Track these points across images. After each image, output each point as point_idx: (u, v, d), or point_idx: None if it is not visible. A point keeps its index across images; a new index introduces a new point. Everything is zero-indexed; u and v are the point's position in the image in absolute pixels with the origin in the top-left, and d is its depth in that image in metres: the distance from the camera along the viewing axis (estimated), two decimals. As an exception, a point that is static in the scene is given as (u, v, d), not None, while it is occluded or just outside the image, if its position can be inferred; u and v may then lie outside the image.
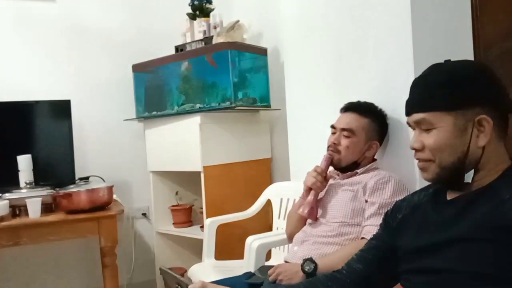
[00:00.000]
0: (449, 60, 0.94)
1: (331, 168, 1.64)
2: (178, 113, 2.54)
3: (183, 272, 2.62)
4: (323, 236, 1.51)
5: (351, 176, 1.59)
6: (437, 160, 0.89)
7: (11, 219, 2.03)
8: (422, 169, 0.93)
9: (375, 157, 1.63)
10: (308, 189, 1.59)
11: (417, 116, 0.91)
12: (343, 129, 1.57)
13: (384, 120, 1.62)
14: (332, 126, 1.62)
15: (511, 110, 0.91)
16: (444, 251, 0.86)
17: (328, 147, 1.61)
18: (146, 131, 2.77)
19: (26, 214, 2.05)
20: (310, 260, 1.39)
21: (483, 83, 0.88)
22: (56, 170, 2.51)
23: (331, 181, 1.64)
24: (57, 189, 2.22)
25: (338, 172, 1.64)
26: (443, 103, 0.87)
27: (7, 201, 2.04)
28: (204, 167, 2.42)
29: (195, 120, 2.43)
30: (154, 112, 2.68)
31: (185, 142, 2.49)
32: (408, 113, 0.94)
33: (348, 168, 1.60)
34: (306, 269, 1.37)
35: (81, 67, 2.82)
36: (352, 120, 1.58)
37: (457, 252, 0.84)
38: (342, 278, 1.03)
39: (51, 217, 2.08)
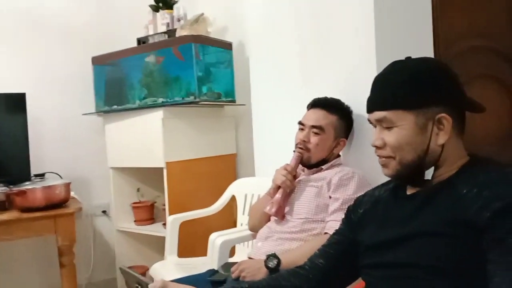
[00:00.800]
0: (410, 57, 0.95)
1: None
2: (140, 108, 2.48)
3: (145, 270, 2.57)
4: (287, 232, 1.50)
5: (317, 172, 1.59)
6: (398, 157, 0.90)
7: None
8: (383, 166, 0.94)
9: (339, 153, 1.65)
10: (277, 187, 1.57)
11: (378, 114, 0.91)
12: (313, 126, 1.56)
13: (350, 116, 1.64)
14: (300, 123, 1.60)
15: (469, 108, 0.93)
16: (403, 245, 0.87)
17: (297, 144, 1.59)
18: (106, 126, 2.69)
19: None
20: (274, 255, 1.38)
21: (443, 82, 0.89)
22: (10, 166, 2.39)
23: (300, 176, 1.64)
24: (11, 186, 2.11)
25: (304, 168, 1.64)
26: (404, 102, 0.88)
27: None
28: (167, 163, 2.37)
29: (157, 115, 2.37)
30: (115, 106, 2.60)
31: (147, 137, 2.43)
32: (369, 111, 0.95)
33: (315, 165, 1.60)
34: (270, 265, 1.37)
35: (38, 59, 2.70)
36: (321, 117, 1.57)
37: (415, 246, 0.85)
38: (304, 273, 1.03)
39: (5, 216, 1.98)
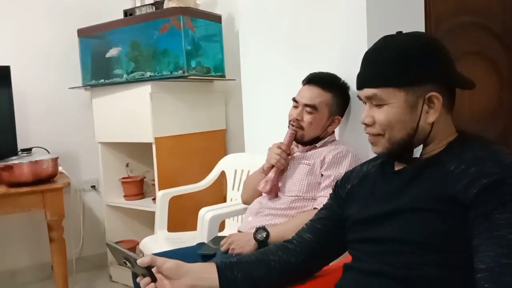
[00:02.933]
0: (401, 32, 0.93)
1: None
2: (128, 82, 2.44)
3: (135, 245, 2.59)
4: (277, 208, 1.52)
5: (310, 149, 1.59)
6: (387, 135, 0.90)
7: None
8: (372, 143, 0.94)
9: (333, 132, 1.64)
10: (271, 166, 1.56)
11: (368, 91, 0.90)
12: (306, 105, 1.53)
13: (346, 93, 1.60)
14: (294, 100, 1.57)
15: (459, 85, 0.92)
16: (390, 221, 0.88)
17: (290, 121, 1.57)
18: (93, 100, 2.64)
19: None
20: (263, 228, 1.40)
21: (434, 59, 0.88)
22: (-4, 141, 2.35)
23: (294, 153, 1.64)
24: (-2, 160, 2.09)
25: (298, 144, 1.63)
26: (395, 79, 0.87)
27: None
28: (155, 138, 2.35)
29: (145, 89, 2.34)
30: (102, 80, 2.55)
31: (135, 112, 2.41)
32: (359, 87, 0.94)
33: (309, 142, 1.59)
34: (258, 237, 1.38)
35: (22, 31, 2.63)
36: (315, 95, 1.53)
37: (402, 222, 0.86)
38: (292, 248, 1.04)
39: (-10, 191, 1.96)
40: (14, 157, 2.08)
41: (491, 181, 0.76)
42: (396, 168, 0.95)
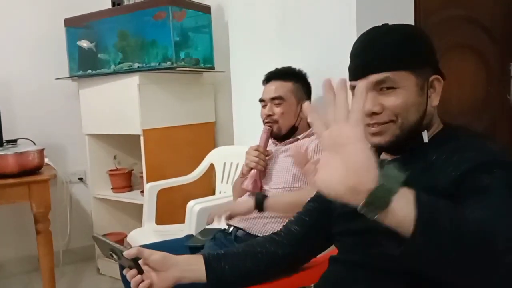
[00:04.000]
0: (387, 24, 0.92)
1: (270, 141, 1.64)
2: (115, 73, 2.40)
3: (122, 237, 2.57)
4: None
5: (293, 142, 1.60)
6: (400, 120, 0.86)
7: None
8: (378, 133, 0.88)
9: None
10: (250, 169, 1.57)
11: (377, 76, 0.86)
12: (272, 99, 1.58)
13: (305, 79, 1.65)
14: (261, 100, 1.63)
15: (442, 75, 0.92)
16: None
17: (263, 120, 1.61)
18: (80, 91, 2.61)
19: None
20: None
21: (431, 44, 0.89)
22: (-20, 132, 2.31)
23: (272, 149, 1.64)
24: (-19, 152, 2.05)
25: (277, 142, 1.64)
26: (406, 61, 0.86)
27: None
28: (143, 130, 2.33)
29: (133, 80, 2.31)
30: (89, 71, 2.52)
31: (123, 103, 2.38)
32: (363, 75, 0.88)
33: (287, 135, 1.60)
34: (258, 196, 1.39)
35: (8, 20, 2.58)
36: (277, 87, 1.59)
37: None
38: (280, 239, 1.04)
39: (-25, 182, 1.92)
40: (-1, 149, 2.04)
41: (474, 165, 0.75)
42: (383, 158, 0.94)
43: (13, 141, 2.30)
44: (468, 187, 0.74)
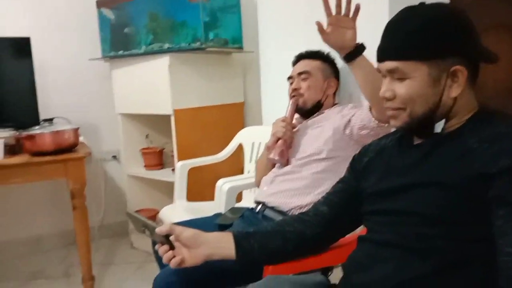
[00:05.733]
0: (423, 3, 0.90)
1: (296, 116, 1.67)
2: (146, 53, 2.44)
3: (155, 213, 2.65)
4: (290, 172, 1.54)
5: (318, 115, 1.62)
6: (408, 109, 0.87)
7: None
8: (392, 117, 0.92)
9: (336, 102, 1.68)
10: (277, 140, 1.59)
11: (390, 64, 0.87)
12: (300, 74, 1.63)
13: (333, 62, 1.68)
14: (289, 77, 1.68)
15: (484, 58, 0.89)
16: (404, 193, 0.87)
17: (290, 94, 1.65)
18: (112, 71, 2.66)
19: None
20: None
21: (458, 31, 0.85)
22: (19, 111, 2.40)
23: (298, 125, 1.66)
24: (20, 130, 2.14)
25: (302, 119, 1.67)
26: (417, 52, 0.84)
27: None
28: (174, 110, 2.37)
29: (163, 61, 2.34)
30: (121, 52, 2.56)
31: (154, 83, 2.42)
32: (379, 60, 0.91)
33: (313, 111, 1.63)
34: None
35: (42, 2, 2.64)
36: (305, 64, 1.65)
37: (417, 195, 0.85)
38: (308, 220, 1.06)
39: (16, 159, 2.01)
40: (36, 127, 2.12)
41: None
42: (415, 142, 0.94)
43: (49, 120, 2.38)
44: (505, 195, 0.74)
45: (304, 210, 1.22)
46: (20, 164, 2.00)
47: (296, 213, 1.19)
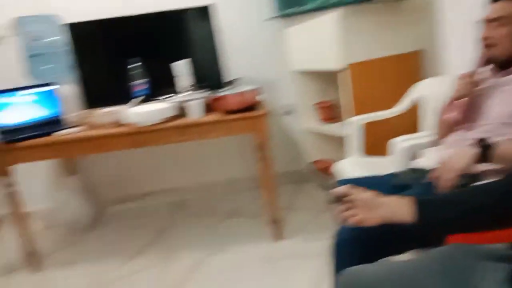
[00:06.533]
0: None
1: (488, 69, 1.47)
2: (318, 9, 2.45)
3: (329, 164, 2.75)
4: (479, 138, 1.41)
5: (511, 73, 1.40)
6: None
7: (178, 118, 2.32)
8: None
9: None
10: (457, 98, 1.47)
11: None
12: (494, 19, 1.37)
13: None
14: (483, 20, 1.41)
15: None
16: None
17: (481, 43, 1.42)
18: (286, 29, 2.77)
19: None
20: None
21: None
22: (208, 74, 2.69)
23: (490, 80, 1.47)
24: (213, 90, 2.42)
25: (494, 71, 1.45)
26: None
27: (176, 103, 2.34)
28: (348, 64, 2.37)
29: (334, 15, 2.32)
30: (293, 8, 2.62)
31: (326, 39, 2.44)
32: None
33: (507, 64, 1.40)
34: (481, 144, 1.25)
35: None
36: (502, 8, 1.36)
37: None
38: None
39: (210, 117, 2.30)
40: (224, 88, 2.38)
41: None
42: None
43: (232, 81, 2.64)
44: None
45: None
46: (214, 121, 2.29)
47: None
